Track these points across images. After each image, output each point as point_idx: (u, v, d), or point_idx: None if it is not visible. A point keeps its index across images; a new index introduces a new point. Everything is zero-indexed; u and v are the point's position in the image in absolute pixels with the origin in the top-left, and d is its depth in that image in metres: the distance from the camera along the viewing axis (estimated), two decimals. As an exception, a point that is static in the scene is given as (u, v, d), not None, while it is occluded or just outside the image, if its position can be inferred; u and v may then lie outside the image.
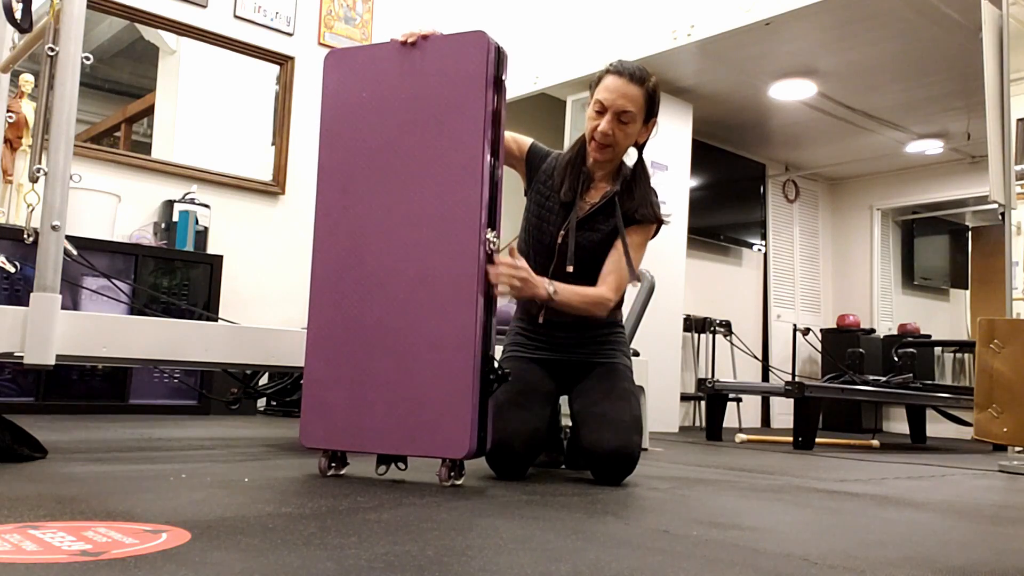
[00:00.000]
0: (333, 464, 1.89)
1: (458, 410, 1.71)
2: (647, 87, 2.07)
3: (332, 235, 1.90)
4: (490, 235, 1.79)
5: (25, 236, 1.90)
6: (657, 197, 2.17)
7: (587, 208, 2.12)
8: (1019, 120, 4.25)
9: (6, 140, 3.70)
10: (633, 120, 2.07)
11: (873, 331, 6.64)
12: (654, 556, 1.14)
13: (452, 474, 1.76)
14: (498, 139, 1.82)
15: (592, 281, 2.08)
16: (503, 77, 1.84)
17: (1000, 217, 3.14)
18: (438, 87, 1.83)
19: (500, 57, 1.82)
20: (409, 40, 1.87)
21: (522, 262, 1.89)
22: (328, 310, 1.88)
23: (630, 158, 2.19)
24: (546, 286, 1.93)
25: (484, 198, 1.76)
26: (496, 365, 1.76)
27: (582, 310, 2.04)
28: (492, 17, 5.31)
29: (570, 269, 2.08)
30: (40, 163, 1.80)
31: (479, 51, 1.78)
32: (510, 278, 1.83)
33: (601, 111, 2.06)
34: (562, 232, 2.10)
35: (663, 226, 2.18)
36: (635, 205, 2.11)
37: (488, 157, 1.77)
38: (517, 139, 2.23)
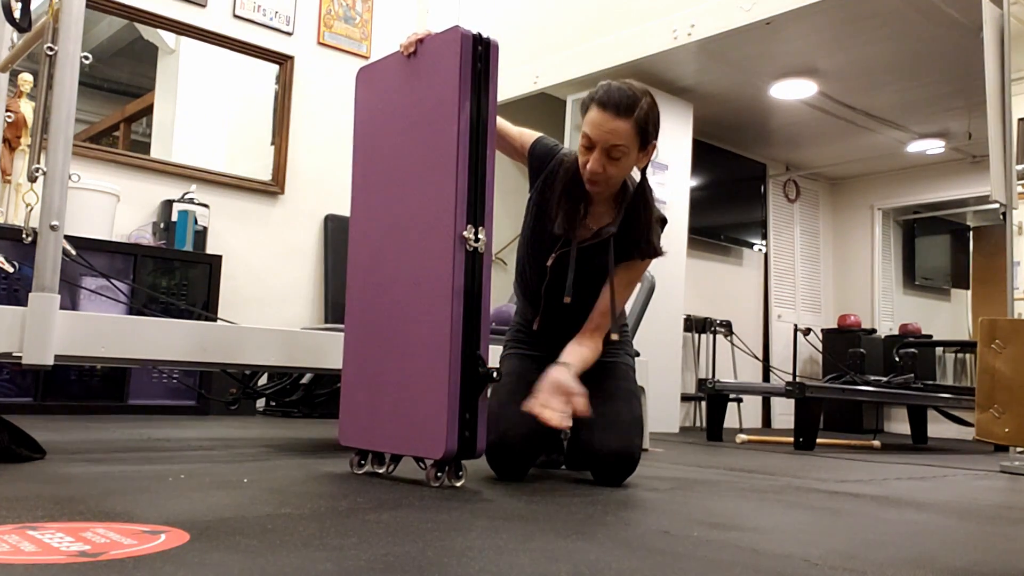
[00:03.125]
0: (362, 462, 1.97)
1: (435, 410, 1.71)
2: (636, 117, 1.89)
3: (359, 244, 2.00)
4: (468, 232, 1.74)
5: (24, 236, 1.89)
6: (664, 220, 2.09)
7: (583, 238, 2.04)
8: (1020, 120, 4.24)
9: (5, 140, 3.70)
10: (625, 154, 1.92)
11: (874, 331, 6.64)
12: (654, 557, 1.14)
13: (441, 475, 1.75)
14: (481, 131, 1.78)
15: (584, 305, 2.05)
16: (486, 67, 1.79)
17: (1001, 217, 3.13)
18: (426, 88, 1.84)
19: (479, 47, 1.79)
20: (408, 51, 1.88)
21: (558, 391, 1.84)
22: (356, 316, 1.98)
23: (635, 173, 2.08)
24: (568, 374, 1.90)
25: (459, 194, 1.73)
26: (486, 364, 1.74)
27: (594, 359, 2.04)
28: (492, 17, 5.30)
29: (567, 300, 2.03)
30: (39, 163, 1.80)
31: (453, 45, 1.77)
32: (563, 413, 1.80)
33: (589, 146, 1.93)
34: (553, 255, 2.05)
35: (661, 256, 2.11)
36: (635, 238, 2.03)
37: (463, 150, 1.74)
38: (523, 135, 2.15)
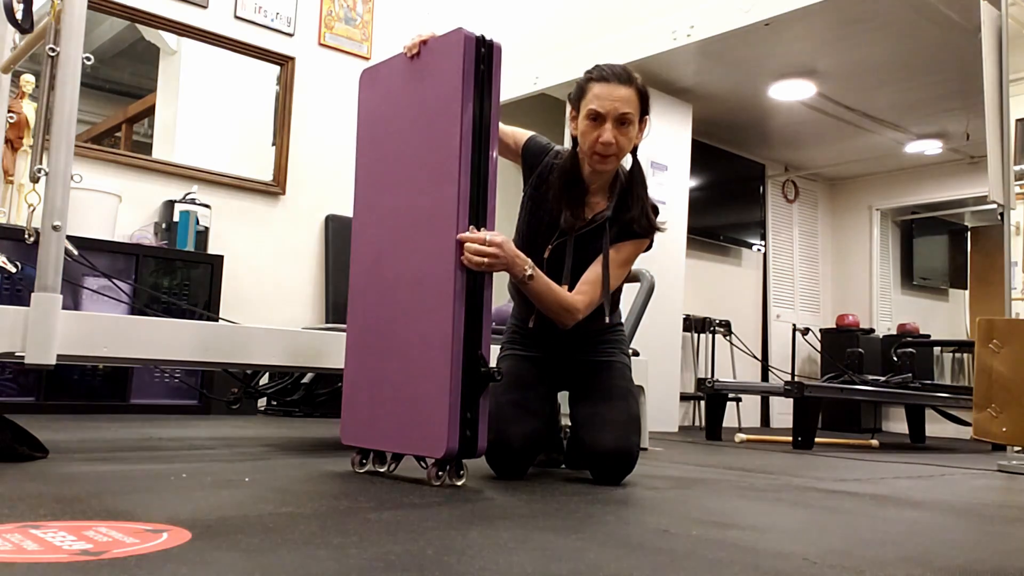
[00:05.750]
0: (364, 461, 1.98)
1: (437, 409, 1.72)
2: (637, 85, 2.01)
3: (361, 244, 2.00)
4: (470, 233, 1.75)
5: (26, 236, 1.90)
6: (656, 208, 2.11)
7: (579, 227, 2.06)
8: (1018, 120, 4.25)
9: (7, 140, 3.70)
10: (632, 122, 2.00)
11: (872, 331, 6.64)
12: (654, 556, 1.15)
13: (442, 474, 1.76)
14: (483, 133, 1.79)
15: None
16: (489, 69, 1.80)
17: (999, 217, 3.14)
18: (430, 90, 1.85)
19: (482, 49, 1.80)
20: (411, 52, 1.89)
21: (500, 237, 1.78)
22: (359, 315, 1.98)
23: (626, 161, 2.11)
24: (525, 268, 1.86)
25: (461, 195, 1.74)
26: (487, 364, 1.75)
27: (550, 310, 1.99)
28: (492, 17, 5.31)
29: (565, 288, 2.03)
30: (41, 163, 1.81)
31: (456, 47, 1.78)
32: (480, 255, 1.73)
33: (597, 120, 1.98)
34: (550, 246, 2.07)
35: (661, 233, 2.12)
36: (632, 217, 2.04)
37: (465, 152, 1.75)
38: (516, 133, 2.17)
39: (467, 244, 1.73)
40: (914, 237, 7.20)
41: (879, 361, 6.23)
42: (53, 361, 1.82)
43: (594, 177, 2.08)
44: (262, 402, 4.46)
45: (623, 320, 2.36)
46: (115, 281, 3.22)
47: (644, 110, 2.04)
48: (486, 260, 1.73)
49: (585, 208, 2.09)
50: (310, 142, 4.95)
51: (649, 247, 2.13)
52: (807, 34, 4.32)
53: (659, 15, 4.50)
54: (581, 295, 2.00)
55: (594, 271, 2.03)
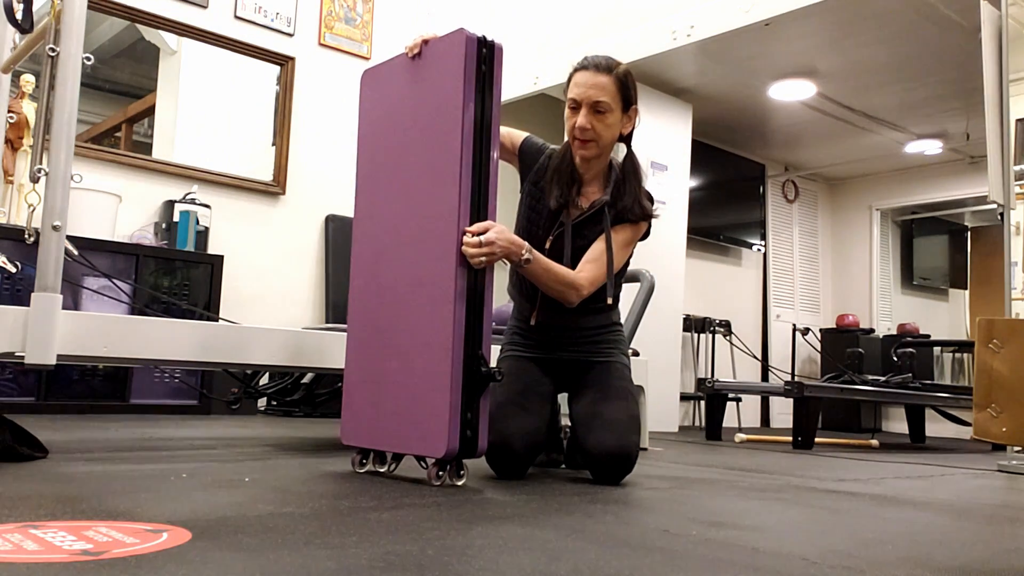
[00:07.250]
0: (364, 461, 1.98)
1: (437, 409, 1.72)
2: (616, 74, 2.04)
3: (362, 244, 2.00)
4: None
5: (26, 236, 1.90)
6: (651, 197, 2.15)
7: (576, 215, 2.09)
8: (1018, 120, 4.25)
9: (7, 140, 3.70)
10: (609, 110, 2.03)
11: (872, 331, 6.64)
12: (654, 555, 1.15)
13: (442, 474, 1.76)
14: (484, 133, 1.79)
15: None
16: (490, 69, 1.81)
17: (999, 217, 3.14)
18: (431, 91, 1.85)
19: (483, 50, 1.80)
20: (412, 53, 1.89)
21: (492, 232, 1.76)
22: (359, 316, 1.98)
23: (620, 153, 2.16)
24: (522, 253, 1.87)
25: (462, 195, 1.75)
26: (487, 364, 1.75)
27: (553, 289, 1.99)
28: (493, 17, 5.31)
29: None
30: (41, 163, 1.81)
31: (458, 47, 1.79)
32: (476, 256, 1.73)
33: (575, 107, 2.04)
34: (550, 238, 2.09)
35: (655, 219, 2.14)
36: (625, 204, 2.08)
37: (467, 152, 1.75)
38: (512, 134, 2.20)
39: (462, 247, 1.74)
40: (914, 237, 7.20)
41: (879, 361, 6.23)
42: (53, 361, 1.82)
43: (585, 167, 2.11)
44: (262, 402, 4.46)
45: (623, 320, 2.36)
46: (115, 281, 3.23)
47: (627, 99, 2.07)
48: (484, 258, 1.75)
49: (581, 199, 2.12)
50: (310, 142, 4.96)
51: (647, 234, 2.16)
52: (807, 34, 4.32)
53: (659, 15, 4.50)
54: (584, 272, 2.03)
55: (596, 249, 2.06)
